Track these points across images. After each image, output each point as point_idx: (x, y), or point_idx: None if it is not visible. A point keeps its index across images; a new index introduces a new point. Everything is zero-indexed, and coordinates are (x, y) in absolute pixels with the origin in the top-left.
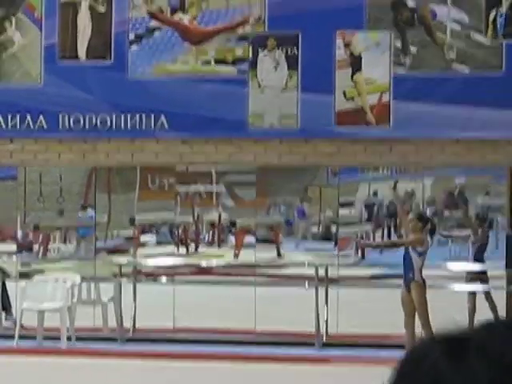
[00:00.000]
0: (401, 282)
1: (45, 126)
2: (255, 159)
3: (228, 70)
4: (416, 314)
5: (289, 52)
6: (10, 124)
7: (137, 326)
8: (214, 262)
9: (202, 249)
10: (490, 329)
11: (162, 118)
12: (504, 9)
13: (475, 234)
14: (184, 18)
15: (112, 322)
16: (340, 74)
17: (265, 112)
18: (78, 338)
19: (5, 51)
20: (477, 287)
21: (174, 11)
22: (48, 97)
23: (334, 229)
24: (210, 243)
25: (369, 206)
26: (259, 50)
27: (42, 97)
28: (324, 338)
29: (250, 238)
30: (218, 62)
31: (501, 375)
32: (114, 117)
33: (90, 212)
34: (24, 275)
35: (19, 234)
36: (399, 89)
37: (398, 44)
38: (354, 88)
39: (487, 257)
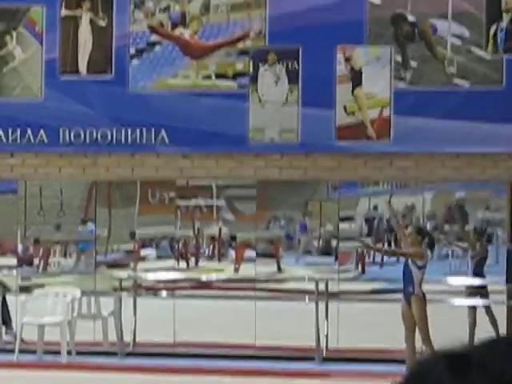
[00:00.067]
0: (401, 296)
1: (45, 140)
2: (256, 173)
3: (228, 85)
4: (416, 328)
5: (289, 66)
6: (10, 138)
7: (137, 340)
8: (214, 276)
9: (202, 263)
10: (491, 346)
11: (163, 133)
12: (504, 23)
13: (473, 248)
14: (185, 33)
15: (112, 336)
16: (340, 89)
17: (265, 126)
18: (79, 352)
19: (5, 65)
20: (477, 302)
21: (174, 25)
22: (49, 111)
23: (334, 243)
24: (211, 257)
25: (369, 221)
26: (260, 64)
27: (42, 111)
28: (324, 353)
29: (250, 252)
30: (219, 76)
31: None
32: (114, 131)
33: (90, 226)
34: (24, 289)
35: (19, 247)
36: (400, 103)
37: (399, 59)
38: (354, 102)
39: (487, 271)
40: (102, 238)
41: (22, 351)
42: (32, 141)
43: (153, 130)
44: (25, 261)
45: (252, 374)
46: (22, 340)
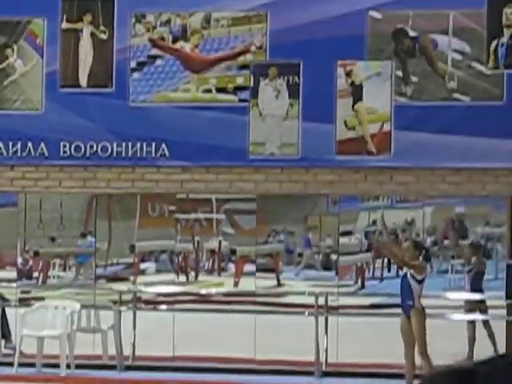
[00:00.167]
0: (400, 311)
1: (46, 154)
2: (256, 187)
3: (229, 99)
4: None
5: (290, 81)
6: (11, 151)
7: (136, 353)
8: (213, 290)
9: (202, 277)
10: (494, 363)
11: (163, 146)
12: (505, 39)
13: (468, 263)
14: (185, 46)
15: (111, 350)
16: (341, 103)
17: (266, 140)
18: (78, 366)
19: (6, 78)
20: (476, 317)
21: (175, 39)
22: (49, 124)
23: (334, 257)
24: (210, 271)
25: (369, 235)
26: (260, 78)
27: (43, 124)
28: (324, 367)
29: (250, 266)
30: (219, 90)
31: None
32: (114, 144)
33: (90, 239)
34: (24, 302)
35: (19, 260)
36: (400, 118)
37: (399, 73)
38: (354, 117)
39: (487, 286)
40: (102, 252)
41: (21, 364)
42: (32, 154)
43: (153, 143)
44: (24, 274)
45: None
46: (21, 353)
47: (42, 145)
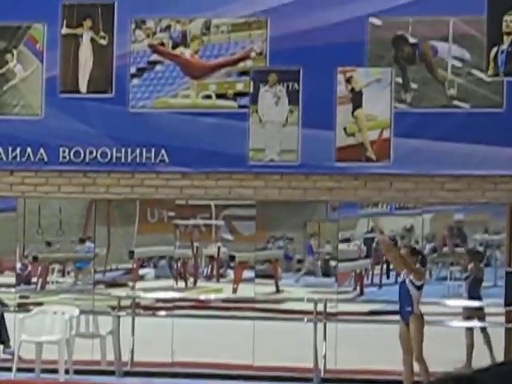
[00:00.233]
0: (399, 317)
1: (45, 159)
2: (255, 194)
3: (229, 105)
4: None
5: (290, 87)
6: (10, 156)
7: (135, 359)
8: (212, 296)
9: (200, 283)
10: (493, 371)
11: (163, 152)
12: (505, 46)
13: (465, 270)
14: (185, 52)
15: (110, 355)
16: (341, 110)
17: (265, 147)
18: (76, 371)
19: (6, 83)
20: (474, 324)
21: (175, 45)
22: (49, 129)
23: (333, 264)
24: (209, 277)
25: (368, 242)
26: (260, 85)
27: (42, 129)
28: (322, 374)
29: (249, 273)
30: (219, 96)
31: None
32: (114, 150)
33: (89, 245)
34: (22, 307)
35: (18, 265)
36: (400, 125)
37: (399, 80)
38: (354, 124)
39: (486, 293)
40: (101, 257)
41: (19, 369)
42: (32, 159)
43: (153, 149)
44: (23, 279)
45: None
46: (19, 358)
47: (42, 150)
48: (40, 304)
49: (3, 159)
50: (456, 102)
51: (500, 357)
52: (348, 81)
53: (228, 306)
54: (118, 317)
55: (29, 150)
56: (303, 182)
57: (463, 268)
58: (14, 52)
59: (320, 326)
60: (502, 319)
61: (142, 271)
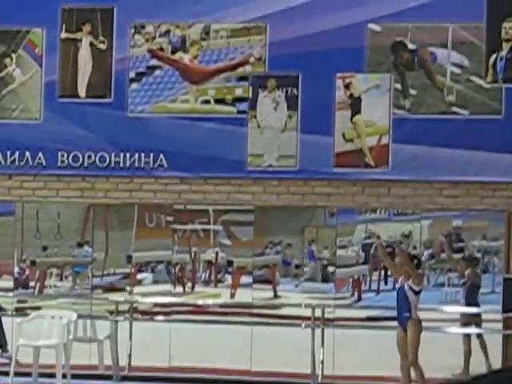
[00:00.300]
0: (396, 323)
1: (44, 163)
2: (253, 199)
3: (228, 110)
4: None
5: (289, 93)
6: (9, 160)
7: (132, 363)
8: (210, 301)
9: (198, 288)
10: (492, 378)
11: (161, 157)
12: (504, 53)
13: (462, 276)
14: (184, 57)
15: (108, 360)
16: (340, 116)
17: (264, 152)
18: (74, 376)
19: (5, 87)
20: (472, 330)
21: (174, 50)
22: (47, 134)
23: (330, 269)
24: (207, 282)
25: (366, 248)
26: (259, 90)
27: (41, 133)
28: (320, 379)
29: (246, 278)
30: (218, 101)
31: None
32: (112, 155)
33: (87, 249)
34: (20, 311)
35: (16, 270)
36: (398, 131)
37: (398, 86)
38: (353, 130)
39: (484, 300)
40: (99, 262)
41: (17, 374)
42: (30, 163)
43: (151, 154)
44: (21, 283)
45: None
46: (17, 362)
47: (40, 154)
48: (38, 308)
49: (2, 163)
50: (455, 109)
51: (497, 363)
52: (347, 87)
53: (226, 311)
54: (116, 321)
55: (27, 154)
56: (301, 188)
57: (460, 274)
58: (13, 56)
59: (318, 331)
60: (500, 326)
61: (139, 276)
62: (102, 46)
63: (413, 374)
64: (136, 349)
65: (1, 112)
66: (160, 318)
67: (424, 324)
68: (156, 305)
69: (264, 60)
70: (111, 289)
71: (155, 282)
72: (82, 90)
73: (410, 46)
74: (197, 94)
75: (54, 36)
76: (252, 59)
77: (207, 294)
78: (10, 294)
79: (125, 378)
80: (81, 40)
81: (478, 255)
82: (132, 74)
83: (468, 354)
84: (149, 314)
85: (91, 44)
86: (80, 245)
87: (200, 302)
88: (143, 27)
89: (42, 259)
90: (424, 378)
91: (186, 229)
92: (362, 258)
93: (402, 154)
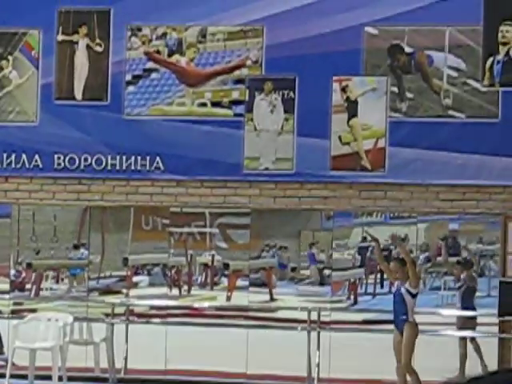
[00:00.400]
0: (392, 327)
1: (40, 166)
2: (250, 202)
3: (224, 113)
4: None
5: (285, 96)
6: (5, 162)
7: (128, 366)
8: (206, 304)
9: (194, 291)
10: (491, 380)
11: (158, 160)
12: (501, 56)
13: (458, 279)
14: (181, 60)
15: (104, 363)
16: (336, 119)
17: (260, 155)
18: (70, 378)
19: (1, 89)
20: (467, 333)
21: (171, 53)
22: (43, 136)
23: (327, 273)
24: (203, 285)
25: (362, 251)
26: (256, 93)
27: (37, 136)
28: (316, 382)
29: (243, 281)
30: (215, 104)
31: None
32: (109, 157)
33: (83, 251)
34: (16, 314)
35: (12, 272)
36: (395, 134)
37: (395, 89)
38: (349, 133)
39: (480, 303)
40: (95, 264)
41: (13, 376)
42: (27, 166)
43: (147, 156)
44: (17, 285)
45: None
46: (13, 364)
47: (37, 157)
48: (34, 311)
49: None
50: (451, 112)
51: (493, 367)
52: (343, 90)
53: (222, 314)
54: (112, 324)
55: (24, 156)
56: (298, 191)
57: (456, 278)
58: (10, 58)
59: (314, 334)
60: (496, 329)
61: (136, 278)
62: (99, 49)
63: (408, 377)
64: (132, 351)
65: None
66: (156, 320)
67: (420, 327)
68: (152, 307)
69: (260, 63)
70: (107, 291)
71: (151, 284)
72: (78, 93)
73: (407, 49)
74: (193, 97)
75: (51, 38)
76: (248, 62)
77: (203, 296)
78: (7, 296)
79: (121, 381)
80: (77, 42)
81: (473, 258)
82: (128, 77)
83: (464, 358)
84: (145, 317)
85: (88, 46)
86: (76, 247)
87: (196, 304)
88: (140, 30)
89: (38, 261)
90: (420, 382)
91: (182, 232)
92: (359, 261)
93: (399, 158)
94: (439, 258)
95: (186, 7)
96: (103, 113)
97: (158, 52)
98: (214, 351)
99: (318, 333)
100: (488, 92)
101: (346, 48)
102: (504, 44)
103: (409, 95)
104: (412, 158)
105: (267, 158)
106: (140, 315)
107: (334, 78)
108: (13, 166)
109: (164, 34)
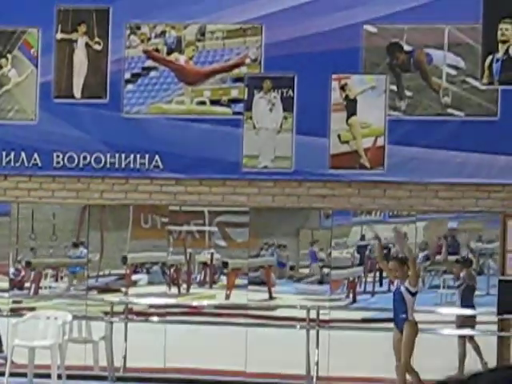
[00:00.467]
0: (391, 325)
1: (39, 164)
2: (249, 200)
3: (223, 111)
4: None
5: (284, 94)
6: (4, 161)
7: (127, 364)
8: (205, 303)
9: (193, 289)
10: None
11: (157, 158)
12: (500, 55)
13: (457, 278)
14: (180, 58)
15: (103, 361)
16: (335, 117)
17: (259, 153)
18: (69, 376)
19: (0, 88)
20: (467, 332)
21: (170, 51)
22: (42, 134)
23: (326, 271)
24: (202, 283)
25: (361, 250)
26: (255, 91)
27: (36, 134)
28: (314, 381)
29: (242, 279)
30: (214, 102)
31: None
32: (108, 156)
33: (82, 250)
34: (15, 312)
35: (11, 270)
36: (394, 133)
37: (394, 88)
38: (348, 131)
39: (479, 302)
40: (94, 262)
41: (12, 374)
42: (26, 164)
43: (147, 155)
44: (16, 284)
45: None
46: (12, 363)
47: (36, 155)
48: (33, 309)
49: None
50: (450, 110)
51: (492, 365)
52: (342, 88)
53: (221, 312)
54: (111, 322)
55: (23, 154)
56: (297, 189)
57: (456, 276)
58: (9, 57)
59: (313, 333)
60: (495, 328)
61: (135, 277)
62: (98, 47)
63: (408, 376)
64: (131, 350)
65: None
66: (155, 319)
67: (419, 326)
68: (151, 306)
69: (260, 61)
70: (106, 290)
71: (150, 283)
72: (77, 91)
73: (406, 48)
74: (192, 95)
75: (50, 36)
76: (248, 60)
77: (202, 295)
78: (6, 294)
79: (120, 379)
80: (76, 41)
81: (472, 257)
82: (127, 75)
83: (463, 356)
84: (144, 315)
85: (87, 45)
86: (75, 245)
87: (195, 303)
88: (139, 28)
89: (37, 260)
90: (421, 381)
91: (181, 230)
92: (358, 259)
93: (398, 156)
94: (438, 257)
95: (185, 5)
96: (102, 111)
97: (157, 50)
98: (213, 349)
99: (317, 331)
100: (487, 90)
101: (345, 46)
102: (503, 42)
103: (408, 93)
104: (411, 156)
105: (266, 156)
106: (139, 313)
107: (333, 76)
108: (12, 164)
109: (163, 33)
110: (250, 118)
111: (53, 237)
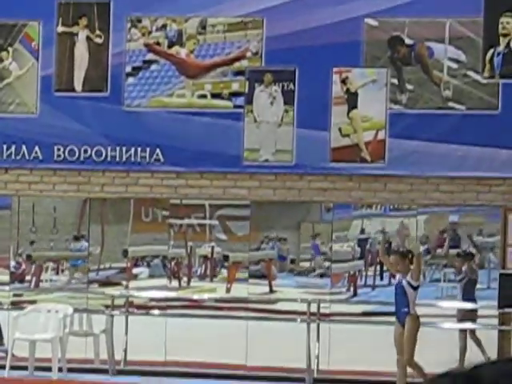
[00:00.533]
0: (392, 319)
1: (40, 157)
2: (249, 194)
3: (224, 105)
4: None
5: (285, 87)
6: (5, 154)
7: (128, 358)
8: (206, 296)
9: (194, 282)
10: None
11: (158, 151)
12: (501, 48)
13: (459, 272)
14: (181, 52)
15: (103, 354)
16: (336, 111)
17: (260, 147)
18: (70, 369)
19: (1, 81)
20: (468, 326)
21: (171, 44)
22: (43, 128)
23: (326, 264)
24: (203, 277)
25: (362, 243)
26: (256, 84)
27: (37, 127)
28: (315, 374)
29: (242, 273)
30: (214, 96)
31: None
32: (109, 149)
33: (83, 243)
34: (16, 305)
35: (12, 263)
36: (395, 126)
37: (395, 81)
38: (349, 125)
39: (480, 295)
40: (95, 256)
41: (13, 367)
42: (27, 157)
43: (147, 148)
44: (17, 277)
45: None
46: (13, 356)
47: (37, 148)
48: (34, 302)
49: None
50: (451, 104)
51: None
52: (343, 81)
53: (221, 305)
54: (112, 315)
55: (24, 148)
56: (298, 183)
57: (457, 270)
58: (10, 50)
59: (313, 326)
60: (496, 321)
61: (135, 270)
62: (99, 40)
63: (409, 369)
64: (132, 343)
65: None
66: (156, 312)
67: (420, 319)
68: (152, 299)
69: (260, 54)
70: (107, 283)
71: (151, 276)
72: (78, 84)
73: (407, 41)
74: (193, 89)
75: (51, 30)
76: (248, 54)
77: (203, 288)
78: (6, 287)
79: (120, 372)
80: (77, 34)
81: (473, 250)
82: (128, 68)
83: (463, 350)
84: (144, 309)
85: (88, 38)
86: (76, 239)
87: (196, 296)
88: (140, 21)
89: (37, 253)
90: (425, 374)
91: (182, 223)
92: (358, 253)
93: (399, 149)
94: (439, 250)
95: None
96: (103, 104)
97: (158, 43)
98: (214, 343)
99: (318, 324)
100: (488, 84)
101: (346, 39)
102: (504, 36)
103: (409, 87)
104: (412, 149)
105: (267, 149)
106: (140, 307)
107: (334, 69)
108: (13, 157)
109: (164, 26)
110: (251, 111)
111: (53, 230)
